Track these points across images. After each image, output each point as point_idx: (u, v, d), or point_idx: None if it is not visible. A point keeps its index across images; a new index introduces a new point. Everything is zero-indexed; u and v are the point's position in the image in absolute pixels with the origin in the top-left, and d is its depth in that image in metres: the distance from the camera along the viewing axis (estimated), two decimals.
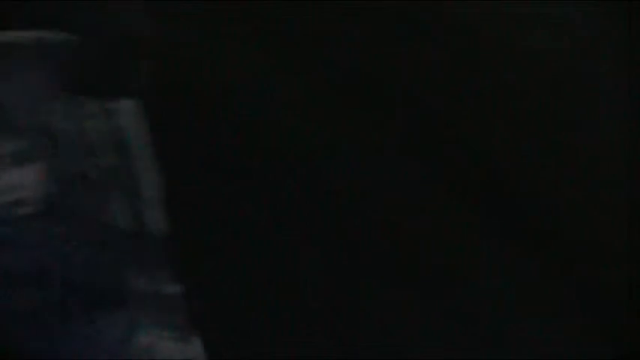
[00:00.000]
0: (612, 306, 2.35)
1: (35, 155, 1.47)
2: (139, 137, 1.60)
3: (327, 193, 2.45)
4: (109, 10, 1.62)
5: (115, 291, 1.53)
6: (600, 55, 2.79)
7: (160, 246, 1.58)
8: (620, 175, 2.59)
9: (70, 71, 1.59)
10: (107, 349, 1.49)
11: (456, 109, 2.62)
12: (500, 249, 2.41)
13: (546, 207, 2.53)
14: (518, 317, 2.32)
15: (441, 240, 2.42)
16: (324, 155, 2.55)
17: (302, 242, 2.37)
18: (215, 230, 2.33)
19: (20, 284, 1.50)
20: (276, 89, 2.59)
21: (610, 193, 2.57)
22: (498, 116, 2.59)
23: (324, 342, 2.23)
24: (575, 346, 2.27)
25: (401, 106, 2.65)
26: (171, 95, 2.20)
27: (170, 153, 1.73)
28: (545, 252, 2.46)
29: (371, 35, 2.75)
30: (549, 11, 2.76)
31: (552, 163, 2.61)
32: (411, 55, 2.73)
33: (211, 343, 1.61)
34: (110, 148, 1.59)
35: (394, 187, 2.53)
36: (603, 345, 2.27)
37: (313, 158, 2.53)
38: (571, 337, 2.28)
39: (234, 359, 2.06)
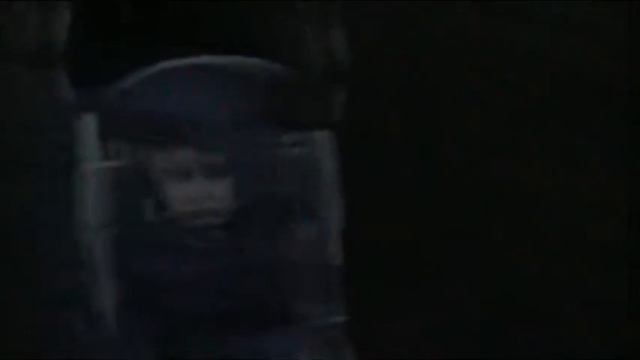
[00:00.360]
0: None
1: (228, 171, 1.54)
2: (329, 169, 1.65)
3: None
4: (310, 37, 1.66)
5: (284, 312, 1.62)
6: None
7: (333, 277, 1.65)
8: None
9: (270, 97, 1.65)
10: None
11: None
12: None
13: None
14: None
15: None
16: None
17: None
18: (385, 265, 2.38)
19: (198, 291, 1.57)
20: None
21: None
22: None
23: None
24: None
25: None
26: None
27: (354, 187, 1.74)
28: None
29: None
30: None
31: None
32: None
33: None
34: (300, 177, 1.66)
35: None
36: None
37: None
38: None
39: None
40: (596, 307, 2.40)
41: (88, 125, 1.64)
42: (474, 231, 2.48)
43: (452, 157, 2.61)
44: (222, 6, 1.70)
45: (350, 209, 1.71)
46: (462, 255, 2.47)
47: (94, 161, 1.63)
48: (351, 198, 1.73)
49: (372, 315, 2.21)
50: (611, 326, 2.37)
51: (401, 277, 2.38)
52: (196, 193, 1.54)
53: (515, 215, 2.56)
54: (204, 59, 1.66)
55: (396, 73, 2.67)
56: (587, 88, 2.74)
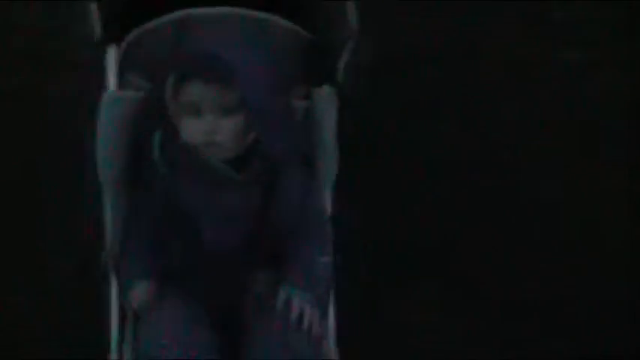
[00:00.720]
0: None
1: (238, 111, 1.63)
2: (330, 123, 1.77)
3: None
4: (329, 4, 1.79)
5: (270, 250, 1.74)
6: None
7: (324, 222, 1.78)
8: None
9: (285, 52, 1.79)
10: (257, 299, 1.71)
11: None
12: None
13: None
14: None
15: None
16: None
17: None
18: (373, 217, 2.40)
19: (203, 221, 1.69)
20: None
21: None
22: None
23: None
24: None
25: None
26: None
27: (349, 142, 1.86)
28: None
29: None
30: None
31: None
32: None
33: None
34: (303, 127, 1.79)
35: None
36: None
37: None
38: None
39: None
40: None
41: (111, 57, 1.77)
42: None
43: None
44: None
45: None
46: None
47: (115, 90, 1.76)
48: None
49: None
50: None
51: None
52: (207, 126, 1.64)
53: None
54: (226, 9, 1.79)
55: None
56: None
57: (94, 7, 1.72)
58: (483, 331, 2.28)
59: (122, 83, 1.79)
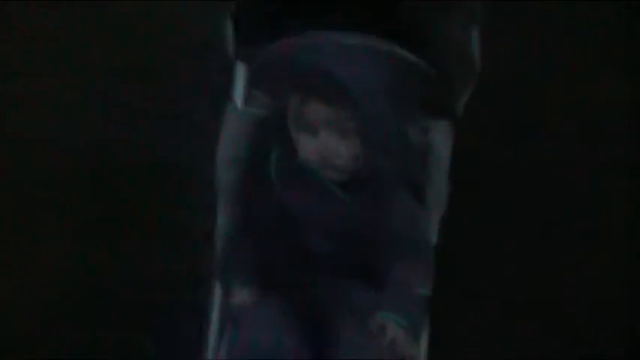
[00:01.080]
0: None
1: (357, 135, 1.69)
2: (445, 156, 1.83)
3: None
4: (455, 41, 1.85)
5: (371, 272, 1.76)
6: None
7: (428, 255, 1.79)
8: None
9: (411, 85, 1.81)
10: (352, 315, 1.73)
11: None
12: None
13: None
14: None
15: None
16: None
17: None
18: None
19: (309, 231, 1.74)
20: None
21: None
22: None
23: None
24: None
25: None
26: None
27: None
28: None
29: None
30: None
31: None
32: None
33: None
34: (419, 158, 1.83)
35: None
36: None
37: None
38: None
39: None
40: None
41: (240, 73, 1.86)
42: None
43: None
44: None
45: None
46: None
47: (240, 105, 1.85)
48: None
49: None
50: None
51: None
52: (323, 146, 1.70)
53: None
54: (357, 40, 1.82)
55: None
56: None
57: (228, 24, 1.82)
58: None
59: (248, 99, 1.87)
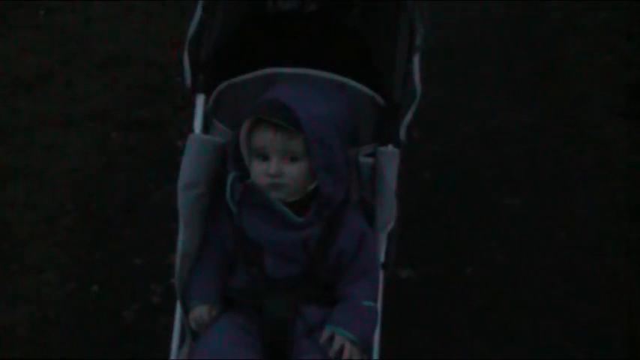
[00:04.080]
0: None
1: (303, 158, 1.79)
2: (390, 178, 1.88)
3: None
4: (400, 70, 1.95)
5: (323, 289, 1.85)
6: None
7: (376, 269, 1.87)
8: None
9: (356, 113, 1.92)
10: (305, 330, 1.81)
11: None
12: None
13: None
14: None
15: None
16: None
17: None
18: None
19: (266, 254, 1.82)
20: None
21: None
22: None
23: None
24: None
25: None
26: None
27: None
28: None
29: None
30: None
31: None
32: None
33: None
34: (367, 180, 1.91)
35: None
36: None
37: None
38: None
39: None
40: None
41: (200, 104, 1.95)
42: None
43: None
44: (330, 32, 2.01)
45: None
46: None
47: (200, 133, 1.93)
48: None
49: None
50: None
51: None
52: (273, 169, 1.78)
53: None
54: (310, 71, 1.95)
55: None
56: None
57: (185, 58, 1.92)
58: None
59: (210, 127, 1.96)
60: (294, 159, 1.80)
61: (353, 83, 1.95)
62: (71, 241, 2.64)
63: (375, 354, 1.85)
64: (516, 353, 2.36)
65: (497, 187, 2.84)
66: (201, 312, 1.82)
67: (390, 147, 1.91)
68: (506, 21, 3.56)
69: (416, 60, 1.94)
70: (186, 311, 1.85)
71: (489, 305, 2.47)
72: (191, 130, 1.93)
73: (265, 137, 1.80)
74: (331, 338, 1.77)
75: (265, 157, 1.81)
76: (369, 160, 1.94)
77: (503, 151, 2.96)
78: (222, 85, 1.97)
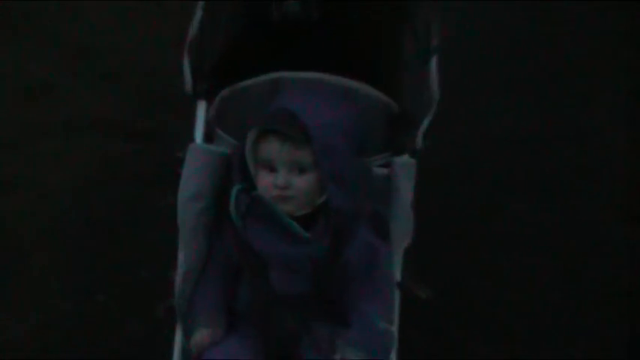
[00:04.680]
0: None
1: (312, 170, 1.67)
2: (406, 190, 1.77)
3: None
4: (415, 77, 1.82)
5: (334, 307, 1.72)
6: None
7: (390, 289, 1.75)
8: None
9: (369, 121, 1.80)
10: (316, 349, 1.70)
11: None
12: None
13: None
14: None
15: None
16: None
17: None
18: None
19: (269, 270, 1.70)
20: None
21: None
22: None
23: None
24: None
25: None
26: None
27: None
28: None
29: None
30: None
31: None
32: None
33: None
34: (380, 193, 1.79)
35: None
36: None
37: None
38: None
39: None
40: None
41: (201, 111, 1.84)
42: None
43: None
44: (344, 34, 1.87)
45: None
46: None
47: (201, 143, 1.81)
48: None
49: None
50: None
51: None
52: (280, 181, 1.67)
53: None
54: (319, 75, 1.81)
55: None
56: None
57: (185, 62, 1.81)
58: None
59: (212, 137, 1.84)
60: (302, 170, 1.68)
61: (367, 88, 1.83)
62: (76, 251, 2.56)
63: None
64: (516, 353, 2.30)
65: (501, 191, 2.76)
66: (202, 336, 1.70)
67: (406, 157, 1.79)
68: (509, 23, 3.50)
69: (433, 62, 1.81)
70: (187, 333, 1.73)
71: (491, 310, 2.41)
72: (192, 139, 1.81)
73: (272, 148, 1.68)
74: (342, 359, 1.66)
75: (272, 169, 1.69)
76: (384, 170, 1.81)
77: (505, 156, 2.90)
78: (225, 91, 1.84)
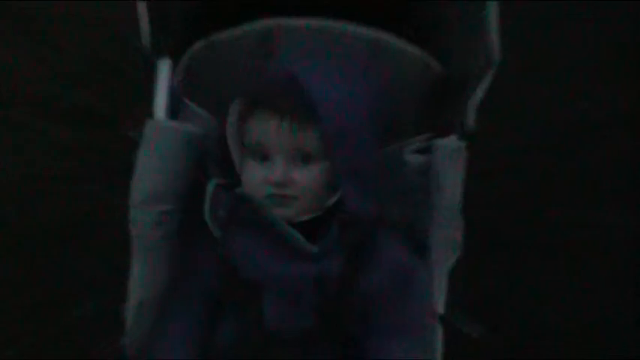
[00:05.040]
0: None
1: (320, 157, 1.26)
2: (453, 184, 1.33)
3: None
4: (466, 34, 1.37)
5: (352, 352, 1.33)
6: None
7: (429, 325, 1.34)
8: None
9: (400, 86, 1.38)
10: None
11: None
12: None
13: None
14: None
15: None
16: None
17: None
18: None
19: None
20: None
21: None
22: None
23: None
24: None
25: None
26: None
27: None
28: None
29: None
30: None
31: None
32: None
33: None
34: (414, 188, 1.39)
35: None
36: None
37: None
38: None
39: None
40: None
41: (163, 74, 1.33)
42: None
43: None
44: None
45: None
46: None
47: (166, 118, 1.32)
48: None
49: None
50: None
51: None
52: (275, 175, 1.25)
53: None
54: (327, 22, 1.35)
55: None
56: None
57: (142, 7, 1.29)
58: None
59: (179, 111, 1.33)
60: (306, 160, 1.25)
61: (400, 42, 1.36)
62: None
63: None
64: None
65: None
66: None
67: (453, 139, 1.32)
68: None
69: (492, 8, 1.32)
70: None
71: None
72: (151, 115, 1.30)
73: (265, 128, 1.24)
74: None
75: (265, 157, 1.25)
76: (420, 159, 1.37)
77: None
78: (198, 45, 1.36)
